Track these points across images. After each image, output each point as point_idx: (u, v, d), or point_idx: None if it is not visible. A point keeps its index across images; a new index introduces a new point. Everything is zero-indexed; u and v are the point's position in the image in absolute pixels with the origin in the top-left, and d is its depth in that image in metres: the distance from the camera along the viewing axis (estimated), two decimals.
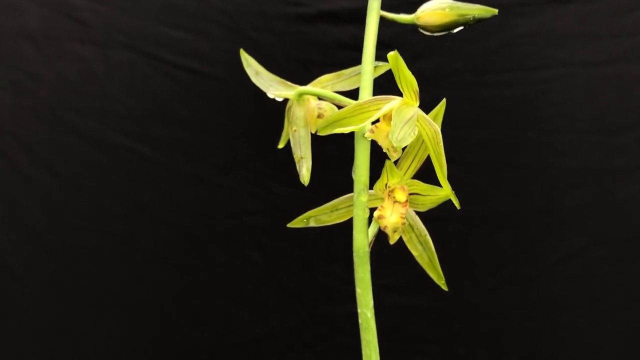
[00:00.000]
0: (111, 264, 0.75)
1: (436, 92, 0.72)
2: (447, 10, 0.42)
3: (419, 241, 0.42)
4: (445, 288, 0.43)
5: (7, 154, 0.73)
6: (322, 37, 0.73)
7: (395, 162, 0.40)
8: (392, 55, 0.37)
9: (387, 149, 0.37)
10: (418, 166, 0.40)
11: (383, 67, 0.44)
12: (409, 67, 0.84)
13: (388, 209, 0.39)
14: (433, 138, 0.38)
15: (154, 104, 0.73)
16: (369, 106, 0.39)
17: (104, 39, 0.73)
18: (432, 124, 0.38)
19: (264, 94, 0.76)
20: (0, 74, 0.73)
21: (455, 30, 0.43)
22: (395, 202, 0.39)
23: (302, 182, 0.42)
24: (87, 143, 0.73)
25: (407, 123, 0.36)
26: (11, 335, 0.75)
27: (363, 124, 0.38)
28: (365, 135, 0.38)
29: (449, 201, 0.77)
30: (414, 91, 0.38)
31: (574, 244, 0.74)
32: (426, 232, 0.42)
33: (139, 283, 0.75)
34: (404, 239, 0.42)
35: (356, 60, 0.78)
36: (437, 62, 0.72)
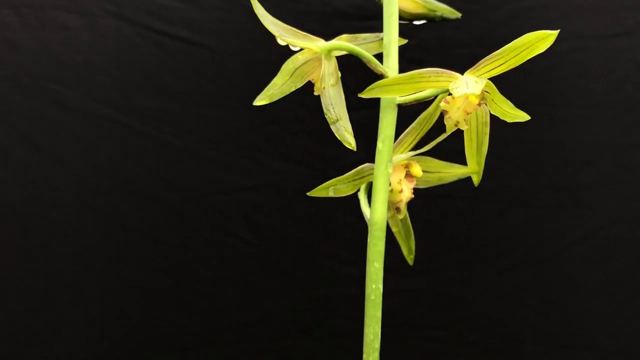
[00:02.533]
0: (93, 243, 0.73)
1: (440, 63, 0.72)
2: (421, 2, 0.45)
3: (400, 219, 0.44)
4: (410, 262, 0.46)
5: None
6: (320, 6, 0.72)
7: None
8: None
9: (457, 122, 0.38)
10: (414, 143, 0.42)
11: (401, 41, 0.44)
12: (413, 37, 0.82)
13: (405, 184, 0.41)
14: (481, 119, 0.40)
15: (141, 75, 0.73)
16: (430, 76, 0.39)
17: (89, 7, 0.72)
18: (483, 105, 0.40)
19: (258, 64, 0.74)
20: None
21: (417, 23, 0.46)
22: (408, 176, 0.42)
23: (351, 148, 0.40)
24: (70, 115, 0.72)
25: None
26: None
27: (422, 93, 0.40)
28: (441, 105, 0.38)
29: (460, 179, 0.75)
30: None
31: (590, 223, 0.73)
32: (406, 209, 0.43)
33: (123, 263, 0.74)
34: (387, 217, 0.43)
35: (357, 29, 0.75)
36: (442, 34, 0.72)
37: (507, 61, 0.39)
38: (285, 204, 0.72)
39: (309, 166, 0.73)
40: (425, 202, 0.72)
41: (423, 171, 0.42)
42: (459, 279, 0.73)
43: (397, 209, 0.42)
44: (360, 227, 0.71)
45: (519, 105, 0.72)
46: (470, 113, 0.38)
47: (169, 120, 0.72)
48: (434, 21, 0.45)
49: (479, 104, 0.38)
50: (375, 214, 0.40)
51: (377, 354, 0.42)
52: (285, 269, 0.74)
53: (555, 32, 0.37)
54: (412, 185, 0.42)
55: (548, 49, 0.72)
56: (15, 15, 0.72)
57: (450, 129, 0.38)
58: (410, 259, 0.46)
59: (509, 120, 0.39)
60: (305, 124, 0.72)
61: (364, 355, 0.42)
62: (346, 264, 0.74)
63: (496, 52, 0.39)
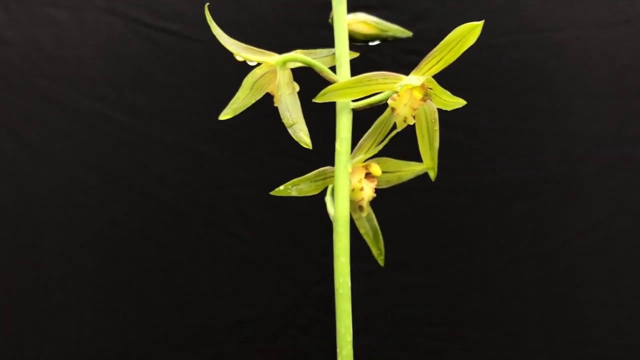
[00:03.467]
0: (84, 241, 0.73)
1: None
2: (373, 23, 0.48)
3: (366, 218, 0.47)
4: (382, 264, 0.48)
5: None
6: None
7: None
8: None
9: (405, 118, 0.41)
10: (374, 146, 0.45)
11: (352, 55, 0.47)
12: (410, 29, 0.81)
13: (365, 184, 0.44)
14: (430, 116, 0.43)
15: (132, 69, 0.73)
16: (377, 79, 0.41)
17: (79, 1, 0.72)
18: (430, 103, 0.42)
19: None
20: None
21: (372, 44, 0.49)
22: (368, 176, 0.44)
23: (307, 147, 0.43)
24: (60, 111, 0.72)
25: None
26: None
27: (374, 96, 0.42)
28: (389, 102, 0.41)
29: (461, 172, 0.75)
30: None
31: (593, 215, 0.72)
32: (370, 209, 0.46)
33: (115, 262, 0.73)
34: (354, 216, 0.46)
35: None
36: (439, 24, 0.72)
37: (443, 57, 0.42)
38: (281, 200, 0.71)
39: (304, 160, 0.71)
40: (425, 197, 0.72)
41: (383, 171, 0.45)
42: (459, 274, 0.73)
43: (360, 207, 0.44)
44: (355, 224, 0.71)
45: (518, 94, 0.73)
46: (417, 109, 0.41)
47: (161, 115, 0.72)
48: (386, 41, 0.49)
49: (424, 100, 0.41)
50: (338, 211, 0.43)
51: (349, 347, 0.44)
52: (281, 266, 0.74)
53: (481, 23, 0.41)
54: (373, 184, 0.44)
55: (548, 37, 0.72)
56: (3, 10, 0.71)
57: (400, 125, 0.41)
58: (381, 260, 0.48)
59: (449, 108, 0.42)
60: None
61: (337, 349, 0.45)
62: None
63: (432, 50, 0.42)
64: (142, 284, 0.73)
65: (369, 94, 0.42)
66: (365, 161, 0.45)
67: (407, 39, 0.76)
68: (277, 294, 0.73)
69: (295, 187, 0.46)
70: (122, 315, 0.73)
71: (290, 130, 0.44)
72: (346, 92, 0.41)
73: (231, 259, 0.73)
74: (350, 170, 0.43)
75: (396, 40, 0.50)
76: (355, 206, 0.45)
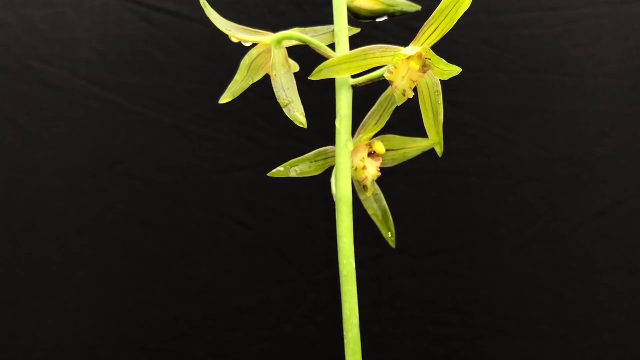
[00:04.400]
0: (81, 227, 0.72)
1: (446, 33, 0.71)
2: None
3: (375, 199, 0.46)
4: (393, 245, 0.47)
5: None
6: None
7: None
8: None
9: (403, 91, 0.40)
10: (380, 124, 0.44)
11: (353, 30, 0.47)
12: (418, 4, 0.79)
13: (368, 162, 0.43)
14: (433, 88, 0.41)
15: (130, 51, 0.72)
16: (375, 53, 0.40)
17: None
18: (433, 76, 0.41)
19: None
20: None
21: (379, 20, 0.48)
22: (373, 155, 0.44)
23: (302, 126, 0.43)
24: (55, 94, 0.72)
25: None
26: None
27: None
28: (385, 75, 0.40)
29: (466, 152, 0.73)
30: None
31: (608, 197, 0.72)
32: (380, 190, 0.45)
33: (112, 247, 0.72)
34: (361, 197, 0.45)
35: None
36: None
37: (439, 25, 0.40)
38: (283, 183, 0.71)
39: (307, 142, 0.70)
40: (434, 179, 0.72)
41: (388, 149, 0.45)
42: (469, 259, 0.72)
43: (365, 187, 0.44)
44: (363, 206, 0.70)
45: (529, 73, 0.72)
46: (416, 81, 0.40)
47: (159, 97, 0.72)
48: (394, 16, 0.48)
49: (423, 71, 0.40)
50: (340, 190, 0.42)
51: (356, 330, 0.43)
52: (284, 251, 0.73)
53: None
54: (377, 163, 0.44)
55: (559, 15, 0.71)
56: None
57: (399, 99, 0.40)
58: (392, 241, 0.47)
59: (446, 78, 0.40)
60: (303, 99, 0.70)
61: (344, 332, 0.44)
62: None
63: (428, 20, 0.40)
64: (141, 270, 0.73)
65: (368, 69, 0.41)
66: (369, 139, 0.44)
67: (415, 16, 0.74)
68: (280, 279, 0.73)
69: (294, 168, 0.45)
70: (121, 303, 0.73)
71: (285, 110, 0.44)
72: (343, 67, 0.40)
73: (233, 244, 0.73)
74: (351, 149, 0.43)
75: (404, 15, 0.49)
76: (360, 186, 0.45)
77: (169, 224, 0.72)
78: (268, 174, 0.44)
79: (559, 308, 0.72)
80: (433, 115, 0.43)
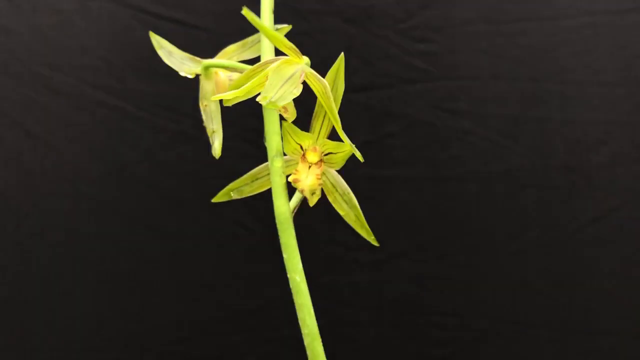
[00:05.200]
0: (87, 231, 0.72)
1: (447, 42, 0.72)
2: None
3: (344, 200, 0.44)
4: (376, 244, 0.44)
5: None
6: None
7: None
8: (245, 12, 0.38)
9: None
10: (331, 125, 0.41)
11: (284, 30, 0.46)
12: (415, 16, 0.80)
13: (303, 172, 0.41)
14: (323, 94, 0.39)
15: (136, 58, 0.72)
16: (261, 70, 0.40)
17: None
18: (320, 80, 0.39)
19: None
20: None
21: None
22: (309, 164, 0.41)
23: (214, 156, 0.45)
24: (63, 100, 0.72)
25: (287, 81, 0.38)
26: None
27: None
28: (257, 99, 0.38)
29: (465, 159, 0.74)
30: (290, 48, 0.39)
31: (604, 204, 0.72)
32: (349, 190, 0.43)
33: (119, 251, 0.73)
34: (329, 199, 0.44)
35: (357, 8, 0.73)
36: (446, 11, 0.72)
37: (324, 113, 0.40)
38: (287, 189, 0.71)
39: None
40: (433, 186, 0.72)
41: (330, 153, 0.41)
42: (468, 264, 0.72)
43: (307, 198, 0.42)
44: (365, 211, 0.70)
45: (527, 82, 0.72)
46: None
47: (165, 103, 0.71)
48: None
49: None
50: (275, 208, 0.42)
51: (314, 341, 0.43)
52: None
53: (340, 59, 0.40)
54: (316, 171, 0.41)
55: (557, 25, 0.72)
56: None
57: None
58: (372, 239, 0.45)
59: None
60: (306, 106, 0.71)
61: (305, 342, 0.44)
62: (351, 249, 0.72)
63: (314, 114, 0.41)
64: (146, 273, 0.73)
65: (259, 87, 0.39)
66: (306, 148, 0.42)
67: (415, 25, 0.75)
68: (282, 283, 0.72)
69: (236, 191, 0.47)
70: (126, 306, 0.73)
71: (210, 138, 0.46)
72: (236, 94, 0.39)
73: (236, 248, 0.73)
74: (279, 164, 0.42)
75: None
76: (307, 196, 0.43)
77: (174, 228, 0.72)
78: (212, 200, 0.46)
79: (556, 312, 0.72)
80: (334, 120, 0.39)
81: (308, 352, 0.43)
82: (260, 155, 0.71)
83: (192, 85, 0.72)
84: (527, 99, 0.71)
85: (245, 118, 0.71)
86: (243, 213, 0.72)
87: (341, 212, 0.44)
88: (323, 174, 0.41)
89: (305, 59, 0.40)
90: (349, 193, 0.43)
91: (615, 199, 0.71)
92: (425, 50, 0.71)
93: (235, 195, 0.46)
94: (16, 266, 0.72)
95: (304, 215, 0.72)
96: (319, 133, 0.42)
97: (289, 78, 0.38)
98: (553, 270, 0.72)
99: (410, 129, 0.71)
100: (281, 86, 0.37)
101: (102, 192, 0.72)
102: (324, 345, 0.73)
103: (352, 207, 0.44)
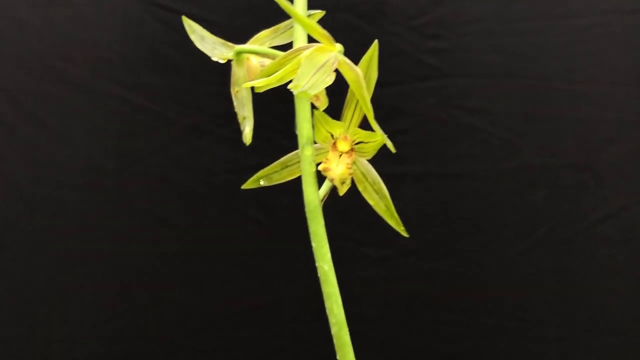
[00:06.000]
0: (100, 224, 0.72)
1: (458, 39, 0.72)
2: None
3: (374, 189, 0.43)
4: (405, 234, 0.43)
5: None
6: None
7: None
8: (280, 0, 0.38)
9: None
10: (363, 114, 0.40)
11: (316, 16, 0.45)
12: (428, 13, 0.80)
13: (333, 161, 0.40)
14: (356, 82, 0.38)
15: (149, 52, 0.72)
16: (294, 57, 0.39)
17: None
18: (353, 68, 0.38)
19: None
20: None
21: None
22: (340, 153, 0.41)
23: (245, 142, 0.45)
24: (76, 93, 0.72)
25: (320, 69, 0.37)
26: None
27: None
28: (289, 87, 0.37)
29: (475, 157, 0.74)
30: (323, 36, 0.39)
31: (613, 203, 0.72)
32: (380, 179, 0.43)
33: (130, 244, 0.73)
34: (359, 188, 0.43)
35: (370, 4, 0.74)
36: (458, 8, 0.72)
37: (356, 102, 0.40)
38: (298, 184, 0.71)
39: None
40: (443, 183, 0.72)
41: (361, 142, 0.40)
42: (477, 261, 0.72)
43: (336, 187, 0.41)
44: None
45: (538, 81, 0.72)
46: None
47: (177, 97, 0.72)
48: None
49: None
50: (305, 196, 0.42)
51: (341, 330, 0.43)
52: (297, 250, 0.71)
53: (374, 46, 0.39)
54: (346, 160, 0.40)
55: (569, 23, 0.72)
56: None
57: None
58: (402, 230, 0.44)
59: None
60: (338, 94, 0.71)
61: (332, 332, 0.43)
62: (361, 244, 0.72)
63: (345, 102, 0.40)
64: (158, 266, 0.73)
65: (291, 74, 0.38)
66: (337, 138, 0.41)
67: (426, 22, 0.75)
68: (293, 278, 0.73)
69: (265, 178, 0.46)
70: (138, 298, 0.73)
71: (241, 125, 0.46)
72: (268, 82, 0.38)
73: (247, 243, 0.73)
74: (309, 153, 0.41)
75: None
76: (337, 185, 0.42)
77: (185, 222, 0.72)
78: (242, 186, 0.46)
79: (564, 310, 0.72)
80: (366, 109, 0.39)
81: (335, 341, 0.43)
82: (271, 149, 0.71)
83: (205, 79, 0.73)
84: (538, 97, 0.71)
85: (256, 113, 0.71)
86: (254, 208, 0.72)
87: (371, 202, 0.43)
88: (353, 163, 0.41)
89: (339, 47, 0.39)
90: (379, 182, 0.43)
91: (625, 198, 0.71)
92: (436, 48, 0.71)
93: (264, 183, 0.45)
94: (29, 258, 0.73)
95: None
96: (350, 122, 0.41)
97: (322, 66, 0.37)
98: (562, 268, 0.72)
99: (420, 126, 0.72)
100: (313, 74, 0.37)
101: (114, 185, 0.72)
102: (332, 341, 0.74)
103: (382, 196, 0.43)
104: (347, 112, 0.41)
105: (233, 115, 0.72)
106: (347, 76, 0.39)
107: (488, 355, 0.73)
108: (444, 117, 0.71)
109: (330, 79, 0.37)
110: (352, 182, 0.42)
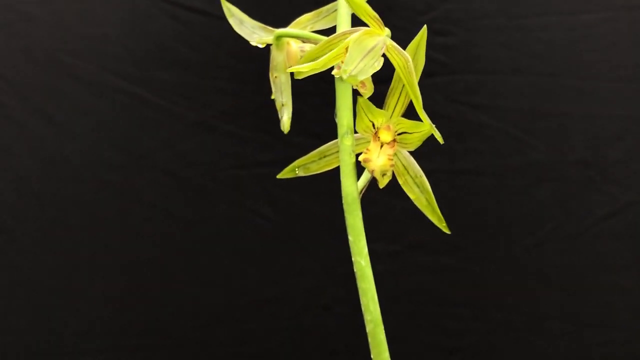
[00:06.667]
0: (108, 218, 0.73)
1: (465, 36, 0.72)
2: None
3: (415, 183, 0.41)
4: (447, 231, 0.42)
5: None
6: None
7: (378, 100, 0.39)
8: None
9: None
10: (407, 102, 0.39)
11: None
12: (436, 9, 0.80)
13: (374, 152, 0.38)
14: (404, 68, 0.36)
15: (157, 47, 0.72)
16: (339, 41, 0.37)
17: None
18: (402, 53, 0.37)
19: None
20: None
21: None
22: (381, 143, 0.38)
23: (283, 130, 0.44)
24: (84, 88, 0.72)
25: (368, 54, 0.35)
26: (0, 292, 0.73)
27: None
28: (332, 73, 0.37)
29: (482, 153, 0.74)
30: (372, 18, 0.37)
31: (620, 199, 0.72)
32: (422, 173, 0.40)
33: (139, 239, 0.73)
34: (400, 181, 0.41)
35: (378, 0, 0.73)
36: (466, 4, 0.72)
37: (401, 90, 0.38)
38: (306, 179, 0.71)
39: (330, 140, 0.71)
40: (450, 179, 0.72)
41: (404, 133, 0.38)
42: (483, 256, 0.72)
43: (376, 179, 0.40)
44: (383, 202, 0.71)
45: (546, 76, 0.72)
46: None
47: (185, 93, 0.71)
48: None
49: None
50: (343, 187, 0.39)
51: (376, 327, 0.41)
52: (305, 245, 0.73)
53: (423, 32, 0.37)
54: (388, 152, 0.38)
55: (576, 19, 0.72)
56: None
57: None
58: (443, 227, 0.42)
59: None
60: (326, 97, 0.71)
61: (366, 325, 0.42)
62: (368, 240, 0.72)
63: (389, 89, 0.38)
64: (166, 261, 0.73)
65: (336, 59, 0.37)
66: (379, 128, 0.39)
67: (435, 18, 0.75)
68: (301, 272, 0.73)
69: (302, 168, 0.44)
70: (147, 292, 0.73)
71: (279, 112, 0.44)
72: (313, 67, 0.36)
73: (255, 237, 0.73)
74: (349, 143, 0.39)
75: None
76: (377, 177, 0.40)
77: (193, 217, 0.72)
78: (277, 176, 0.44)
79: (570, 305, 0.72)
80: (414, 97, 0.37)
81: (370, 340, 0.41)
82: (280, 145, 0.72)
83: (212, 74, 0.73)
84: (545, 94, 0.71)
85: (263, 108, 0.70)
86: (262, 203, 0.72)
87: (411, 196, 0.41)
88: (395, 154, 0.39)
89: (387, 31, 0.37)
90: (421, 176, 0.40)
91: (631, 194, 0.71)
92: (444, 44, 0.71)
93: (300, 173, 0.44)
94: (38, 252, 0.73)
95: (323, 205, 0.73)
96: (394, 111, 0.39)
97: (370, 50, 0.35)
98: (568, 264, 0.72)
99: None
100: (362, 59, 0.35)
101: (122, 180, 0.72)
102: (341, 334, 0.74)
103: (423, 190, 0.41)
104: (391, 101, 0.39)
105: (240, 111, 0.73)
106: (395, 62, 0.37)
107: (494, 349, 0.73)
108: (451, 113, 0.71)
109: (378, 64, 0.35)
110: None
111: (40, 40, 0.71)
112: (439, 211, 0.41)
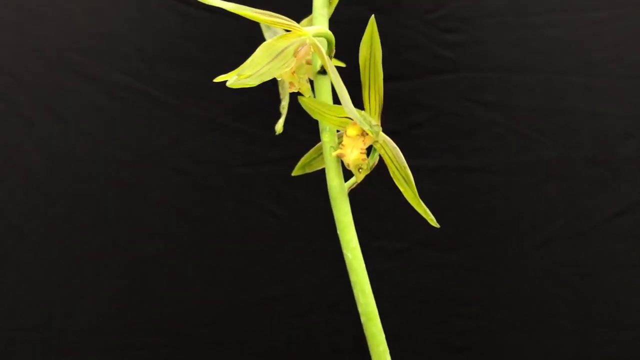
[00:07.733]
0: (117, 216, 0.73)
1: (474, 33, 0.72)
2: None
3: (401, 175, 0.40)
4: (436, 225, 0.41)
5: (8, 96, 0.71)
6: None
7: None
8: None
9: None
10: (378, 98, 0.39)
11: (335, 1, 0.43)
12: (444, 6, 0.80)
13: (348, 146, 0.38)
14: (394, 158, 0.39)
15: (166, 45, 0.72)
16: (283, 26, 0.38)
17: None
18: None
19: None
20: (1, 13, 0.71)
21: None
22: (359, 136, 0.39)
23: (276, 131, 0.45)
24: (93, 85, 0.72)
25: (277, 57, 0.36)
26: (8, 289, 0.73)
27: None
28: (228, 84, 0.37)
29: (491, 150, 0.73)
30: (285, 25, 0.37)
31: (629, 197, 0.71)
32: (405, 164, 0.40)
33: (147, 236, 0.73)
34: (390, 172, 0.41)
35: None
36: (475, 1, 0.72)
37: (369, 81, 0.38)
38: (314, 177, 0.71)
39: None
40: (458, 176, 0.72)
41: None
42: (492, 254, 0.72)
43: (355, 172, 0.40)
44: (390, 199, 0.70)
45: (555, 74, 0.72)
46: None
47: (193, 91, 0.71)
48: None
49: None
50: (328, 181, 0.41)
51: (375, 321, 0.41)
52: (313, 242, 0.73)
53: (371, 21, 0.37)
54: (360, 145, 0.38)
55: (586, 17, 0.71)
56: None
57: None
58: (430, 220, 0.41)
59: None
60: (334, 95, 0.71)
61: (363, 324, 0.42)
62: (376, 237, 0.72)
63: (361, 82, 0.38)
64: (173, 259, 0.73)
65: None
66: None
67: (441, 15, 0.75)
68: (308, 270, 0.73)
69: (307, 165, 0.45)
70: (154, 289, 0.73)
71: (282, 112, 0.45)
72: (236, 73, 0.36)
73: (263, 235, 0.73)
74: (327, 138, 0.40)
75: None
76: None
77: (202, 214, 0.72)
78: (292, 174, 0.45)
79: (579, 304, 0.72)
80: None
81: (365, 333, 0.42)
82: (289, 142, 0.71)
83: (221, 72, 0.73)
84: (554, 91, 0.71)
85: (271, 106, 0.71)
86: (270, 200, 0.72)
87: (400, 188, 0.41)
88: (381, 146, 0.39)
89: (312, 30, 0.37)
90: (404, 168, 0.40)
91: None
92: (452, 41, 0.71)
93: (308, 170, 0.45)
94: (46, 249, 0.73)
95: (329, 202, 0.73)
96: (369, 107, 0.39)
97: (279, 54, 0.36)
98: (577, 261, 0.72)
99: (436, 119, 0.72)
100: (267, 63, 0.35)
101: (130, 178, 0.72)
102: (348, 332, 0.74)
103: (409, 182, 0.40)
104: (364, 96, 0.39)
105: (249, 109, 0.73)
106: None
107: (502, 348, 0.73)
108: (459, 111, 0.71)
109: (287, 67, 0.35)
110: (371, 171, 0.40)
111: (49, 38, 0.71)
112: (423, 205, 0.40)
